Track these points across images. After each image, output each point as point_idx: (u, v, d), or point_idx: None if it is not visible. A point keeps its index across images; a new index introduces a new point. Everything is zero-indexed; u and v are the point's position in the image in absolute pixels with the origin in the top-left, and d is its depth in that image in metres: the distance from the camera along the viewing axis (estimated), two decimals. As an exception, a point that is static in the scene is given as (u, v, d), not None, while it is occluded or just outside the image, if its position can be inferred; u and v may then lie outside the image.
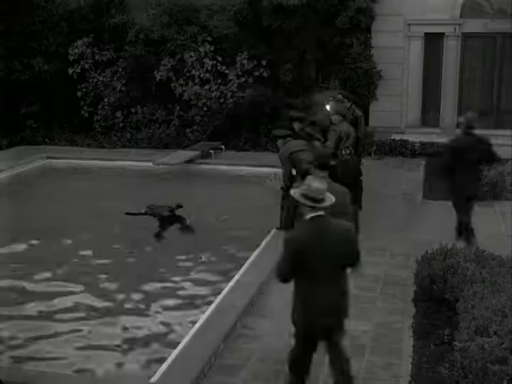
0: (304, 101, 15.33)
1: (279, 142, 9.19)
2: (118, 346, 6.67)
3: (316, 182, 4.99)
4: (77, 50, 16.16)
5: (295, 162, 8.62)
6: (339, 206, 5.59)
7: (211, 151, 14.93)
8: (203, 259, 8.96)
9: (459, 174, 8.60)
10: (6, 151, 15.88)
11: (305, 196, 4.94)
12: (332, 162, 6.56)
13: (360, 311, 7.00)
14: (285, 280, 5.08)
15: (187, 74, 15.73)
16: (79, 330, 6.99)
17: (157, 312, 7.42)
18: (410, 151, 14.66)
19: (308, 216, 4.96)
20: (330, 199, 4.99)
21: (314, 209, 4.94)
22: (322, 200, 4.93)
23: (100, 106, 16.43)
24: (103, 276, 8.39)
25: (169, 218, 10.34)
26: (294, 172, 8.67)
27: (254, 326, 6.69)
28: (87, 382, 5.88)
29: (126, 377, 6.13)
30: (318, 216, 4.94)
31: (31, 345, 6.68)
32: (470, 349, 5.11)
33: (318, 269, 4.93)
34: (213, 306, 7.05)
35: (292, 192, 5.15)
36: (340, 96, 10.28)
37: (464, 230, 8.79)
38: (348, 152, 9.25)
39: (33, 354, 6.49)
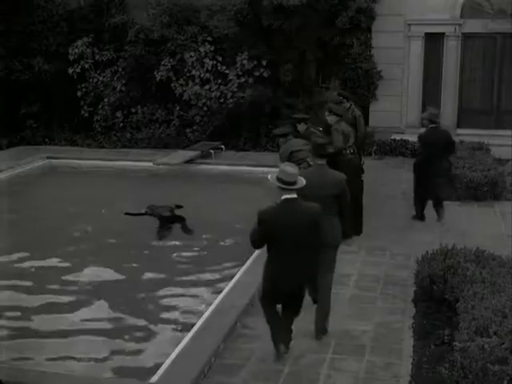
0: (304, 101, 15.37)
1: (280, 141, 9.17)
2: (118, 346, 6.67)
3: (288, 167, 5.68)
4: (77, 50, 16.16)
5: (295, 162, 8.60)
6: (339, 189, 6.41)
7: (211, 151, 14.93)
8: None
9: (428, 163, 9.68)
10: (6, 151, 15.88)
11: (279, 179, 5.58)
12: (330, 150, 6.90)
13: (360, 311, 7.02)
14: (256, 247, 5.91)
15: (187, 74, 15.72)
16: (79, 330, 6.99)
17: (157, 311, 7.42)
18: (410, 151, 14.63)
19: (283, 197, 5.59)
20: (302, 182, 5.65)
21: (287, 191, 5.57)
22: (294, 183, 5.57)
23: (100, 106, 16.42)
24: (101, 275, 8.39)
25: (169, 218, 10.32)
26: None
27: (254, 325, 6.69)
28: (87, 382, 5.87)
29: (126, 376, 6.12)
30: (291, 198, 5.58)
31: (30, 343, 6.69)
32: (470, 349, 5.11)
33: (286, 244, 5.57)
34: (213, 306, 7.04)
35: (268, 176, 5.74)
36: (340, 97, 10.28)
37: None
38: (352, 151, 9.26)
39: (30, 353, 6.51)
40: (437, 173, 9.81)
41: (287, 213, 5.58)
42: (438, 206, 10.07)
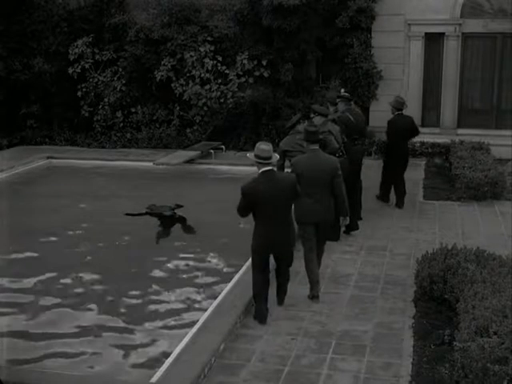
0: (304, 101, 15.37)
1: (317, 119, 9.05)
2: (119, 345, 6.67)
3: (263, 145, 6.60)
4: (77, 50, 16.17)
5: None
6: (332, 171, 7.22)
7: (211, 151, 14.94)
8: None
9: (396, 146, 10.90)
10: (6, 151, 15.89)
11: (256, 156, 6.52)
12: (320, 136, 7.53)
13: (360, 311, 7.02)
14: (243, 216, 6.70)
15: (187, 74, 15.73)
16: (79, 330, 7.00)
17: (158, 310, 7.42)
18: (410, 151, 14.61)
19: (260, 170, 6.53)
20: (276, 157, 6.80)
21: (264, 165, 6.52)
22: (270, 157, 6.53)
23: (100, 106, 16.43)
24: (102, 276, 8.39)
25: (170, 218, 10.33)
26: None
27: (254, 325, 6.69)
28: (87, 382, 5.87)
29: (126, 376, 6.12)
30: (268, 170, 6.54)
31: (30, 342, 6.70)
32: (470, 349, 5.11)
33: (269, 209, 6.49)
34: (213, 305, 7.04)
35: (247, 154, 6.76)
36: (339, 98, 10.23)
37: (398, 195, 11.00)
38: (341, 153, 9.13)
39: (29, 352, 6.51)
40: (403, 154, 11.00)
41: (267, 182, 6.51)
42: (401, 192, 11.00)
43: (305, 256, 7.34)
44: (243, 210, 6.62)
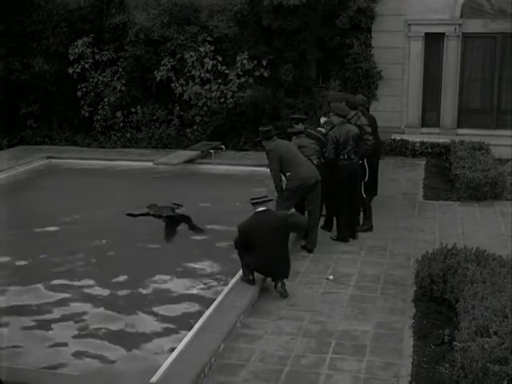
0: (304, 101, 15.38)
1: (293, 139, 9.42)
2: (118, 345, 6.67)
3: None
4: (77, 50, 16.18)
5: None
6: (313, 178, 8.73)
7: (211, 151, 14.94)
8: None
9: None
10: (6, 151, 15.89)
11: (253, 198, 7.59)
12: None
13: (360, 311, 7.02)
14: (237, 247, 7.61)
15: (187, 74, 15.74)
16: (78, 330, 6.99)
17: (158, 310, 7.43)
18: (410, 151, 14.66)
19: (256, 210, 7.50)
20: (271, 200, 7.80)
21: (260, 205, 7.50)
22: (267, 201, 7.59)
23: (100, 106, 16.44)
24: (102, 275, 8.39)
25: (175, 219, 10.32)
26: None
27: (254, 325, 6.69)
28: (87, 382, 5.87)
29: (126, 376, 6.12)
30: (262, 210, 7.48)
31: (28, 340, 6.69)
32: (470, 349, 5.11)
33: (263, 242, 7.28)
34: (213, 305, 7.04)
35: (249, 200, 7.62)
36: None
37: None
38: (345, 157, 9.07)
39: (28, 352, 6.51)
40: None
41: (261, 220, 7.39)
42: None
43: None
44: (239, 242, 7.52)
